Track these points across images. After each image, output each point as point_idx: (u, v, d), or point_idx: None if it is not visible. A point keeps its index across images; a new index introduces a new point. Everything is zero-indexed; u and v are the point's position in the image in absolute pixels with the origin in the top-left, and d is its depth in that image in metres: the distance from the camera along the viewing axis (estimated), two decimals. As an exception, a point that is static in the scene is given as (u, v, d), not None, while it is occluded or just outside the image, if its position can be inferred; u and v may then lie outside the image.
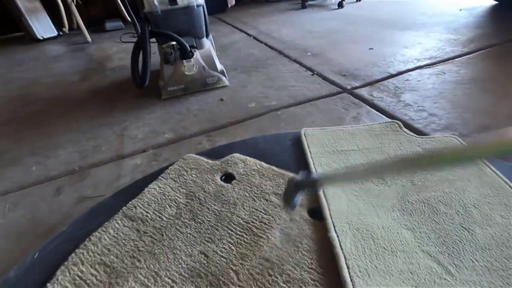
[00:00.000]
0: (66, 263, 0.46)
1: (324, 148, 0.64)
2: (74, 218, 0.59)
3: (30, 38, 2.38)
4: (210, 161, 0.64)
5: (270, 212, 0.51)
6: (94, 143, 0.95)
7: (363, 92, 1.03)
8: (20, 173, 0.85)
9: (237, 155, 0.65)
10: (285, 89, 1.14)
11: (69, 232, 0.53)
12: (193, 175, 0.60)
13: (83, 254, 0.47)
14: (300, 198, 0.41)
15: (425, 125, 0.79)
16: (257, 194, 0.55)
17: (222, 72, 1.23)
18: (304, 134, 0.69)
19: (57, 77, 1.64)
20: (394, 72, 1.15)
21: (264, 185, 0.56)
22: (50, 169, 0.86)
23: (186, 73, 1.16)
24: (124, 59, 1.81)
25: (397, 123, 0.71)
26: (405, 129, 0.69)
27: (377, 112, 0.89)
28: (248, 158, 0.64)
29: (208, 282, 0.41)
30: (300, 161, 0.62)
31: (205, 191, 0.56)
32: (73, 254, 0.47)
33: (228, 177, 0.60)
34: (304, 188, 0.41)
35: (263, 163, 0.62)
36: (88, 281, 0.43)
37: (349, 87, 1.07)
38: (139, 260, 0.45)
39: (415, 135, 0.67)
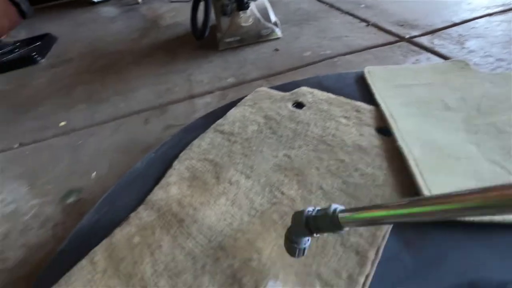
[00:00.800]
0: (178, 159, 0.59)
1: (388, 83, 0.69)
2: (173, 134, 0.72)
3: (85, 1, 2.54)
4: (280, 92, 0.72)
5: (340, 129, 0.59)
6: (166, 86, 1.08)
7: (423, 40, 1.02)
8: (111, 108, 1.02)
9: (304, 87, 0.72)
10: (338, 40, 1.15)
11: (171, 142, 0.66)
12: (267, 103, 0.69)
13: (189, 154, 0.60)
14: (309, 244, 0.33)
15: (491, 69, 0.79)
16: (327, 116, 0.62)
17: (276, 24, 1.27)
18: (368, 72, 0.73)
19: (117, 36, 1.78)
20: (458, 21, 1.10)
21: (333, 110, 0.64)
22: (134, 105, 1.01)
23: (242, 24, 1.22)
24: (175, 17, 1.89)
25: (464, 62, 0.72)
26: (473, 66, 0.70)
27: (438, 58, 0.89)
28: (315, 90, 0.71)
29: (294, 173, 0.52)
30: (364, 94, 0.68)
31: (279, 114, 0.65)
32: (181, 154, 0.60)
33: (298, 105, 0.68)
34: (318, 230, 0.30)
35: (330, 94, 0.69)
36: (198, 170, 0.56)
37: (407, 36, 1.06)
38: (234, 158, 0.57)
39: (485, 71, 0.68)
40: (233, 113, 0.68)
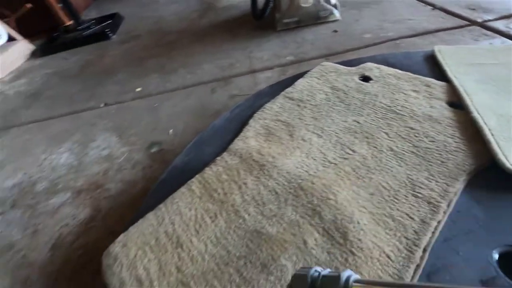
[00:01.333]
0: (252, 118, 0.66)
1: (460, 61, 0.68)
2: (239, 102, 0.80)
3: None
4: (345, 67, 0.75)
5: (410, 101, 0.61)
6: (228, 61, 1.16)
7: (498, 24, 0.96)
8: (180, 79, 1.13)
9: (370, 63, 0.74)
10: (401, 23, 1.13)
11: (244, 105, 0.73)
12: (333, 76, 0.73)
13: (262, 115, 0.67)
14: None
15: None
16: (395, 89, 0.65)
17: (335, 6, 1.27)
18: (438, 50, 0.73)
19: (178, 15, 1.91)
20: (540, 5, 1.01)
21: (402, 84, 0.66)
22: (200, 77, 1.11)
23: (302, 5, 1.25)
24: (230, 0, 1.96)
25: (548, 43, 0.68)
26: (558, 48, 0.66)
27: (515, 42, 0.85)
28: (381, 65, 0.73)
29: (363, 136, 0.56)
30: (434, 71, 0.69)
31: (347, 86, 0.69)
32: (255, 114, 0.67)
33: (365, 79, 0.71)
34: None
35: (397, 70, 0.70)
36: (272, 128, 0.63)
37: (479, 20, 1.01)
38: (305, 120, 0.62)
39: None
40: (301, 82, 0.73)
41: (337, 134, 0.57)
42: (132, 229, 0.48)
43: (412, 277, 0.36)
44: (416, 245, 0.38)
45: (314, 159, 0.53)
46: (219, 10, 1.82)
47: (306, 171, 0.51)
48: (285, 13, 1.29)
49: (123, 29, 1.87)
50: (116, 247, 0.46)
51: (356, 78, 0.71)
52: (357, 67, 0.75)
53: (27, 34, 1.91)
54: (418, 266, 0.37)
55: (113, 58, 1.46)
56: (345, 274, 0.26)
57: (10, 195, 0.76)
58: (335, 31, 1.19)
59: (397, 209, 0.43)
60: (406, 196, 0.44)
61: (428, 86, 0.63)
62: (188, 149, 0.63)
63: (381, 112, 0.60)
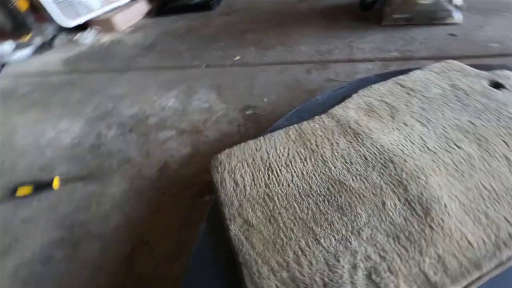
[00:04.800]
0: (357, 93, 0.67)
1: None
2: (346, 83, 0.80)
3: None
4: (475, 69, 0.69)
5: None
6: (327, 47, 1.17)
7: None
8: (276, 55, 1.19)
9: (508, 71, 0.67)
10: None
11: (347, 87, 0.74)
12: (457, 75, 0.68)
13: (367, 92, 0.67)
14: None
15: None
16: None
17: (458, 7, 1.16)
18: None
19: (274, -2, 1.96)
20: None
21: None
22: (297, 56, 1.14)
23: (421, 1, 1.16)
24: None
25: None
26: None
27: None
28: (523, 77, 0.65)
29: (475, 138, 0.52)
30: None
31: (470, 88, 0.64)
32: (360, 90, 0.68)
33: (496, 86, 0.64)
34: None
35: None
36: (375, 106, 0.63)
37: None
38: (412, 108, 0.61)
39: None
40: (416, 73, 0.71)
41: (444, 128, 0.55)
42: (235, 148, 0.59)
43: (490, 271, 0.35)
44: (506, 246, 0.37)
45: (412, 143, 0.53)
46: (321, -3, 1.82)
47: (401, 150, 0.52)
48: (397, 8, 1.22)
49: (224, 3, 2.01)
50: (222, 155, 0.58)
51: (485, 83, 0.65)
52: (491, 71, 0.68)
53: (145, -5, 2.19)
54: (501, 264, 0.36)
55: (215, 27, 1.60)
56: None
57: (129, 122, 0.93)
58: (453, 34, 1.09)
59: (495, 210, 0.41)
60: (510, 203, 0.41)
61: None
62: (290, 115, 0.68)
63: (505, 121, 0.55)
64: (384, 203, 0.44)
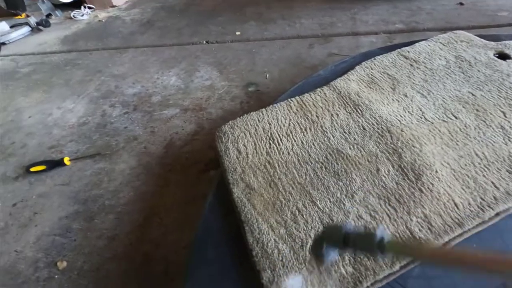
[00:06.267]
0: (360, 65, 0.68)
1: None
2: (349, 57, 0.80)
3: None
4: (482, 40, 0.68)
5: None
6: (330, 20, 1.14)
7: None
8: (278, 29, 1.16)
9: (517, 42, 0.66)
10: None
11: (349, 61, 0.74)
12: (463, 46, 0.68)
13: (370, 65, 0.68)
14: (336, 256, 0.34)
15: None
16: (536, 74, 0.58)
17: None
18: None
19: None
20: None
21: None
22: (299, 31, 1.12)
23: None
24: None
25: None
26: None
27: None
28: (531, 47, 0.64)
29: (473, 108, 0.54)
30: None
31: (475, 58, 0.64)
32: (363, 62, 0.69)
33: (501, 57, 0.64)
34: (351, 247, 0.31)
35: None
36: (376, 78, 0.65)
37: None
38: (413, 80, 0.62)
39: None
40: (421, 44, 0.71)
41: (444, 99, 0.57)
42: (239, 119, 0.62)
43: (472, 229, 0.39)
44: (490, 207, 0.40)
45: (411, 113, 0.56)
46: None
47: (399, 120, 0.54)
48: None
49: (224, -25, 1.92)
50: (226, 127, 0.61)
51: (491, 54, 0.64)
52: (498, 42, 0.67)
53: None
54: (483, 223, 0.39)
55: (215, 1, 1.55)
56: (379, 234, 0.27)
57: (132, 100, 0.94)
58: (461, 3, 1.05)
59: (484, 176, 0.44)
60: (499, 170, 0.44)
61: None
62: (293, 90, 0.69)
63: (506, 92, 0.55)
64: (378, 169, 0.47)
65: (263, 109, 0.63)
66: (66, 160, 0.74)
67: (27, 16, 1.68)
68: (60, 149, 0.82)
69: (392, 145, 0.50)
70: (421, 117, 0.54)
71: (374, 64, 0.68)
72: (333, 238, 0.32)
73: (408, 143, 0.49)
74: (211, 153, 0.66)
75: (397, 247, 0.29)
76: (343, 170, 0.48)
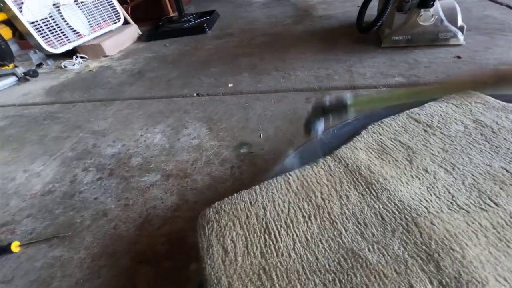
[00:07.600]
0: (366, 129, 0.59)
1: None
2: (352, 118, 0.72)
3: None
4: (500, 101, 0.61)
5: None
6: (326, 72, 1.10)
7: None
8: (272, 81, 1.12)
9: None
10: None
11: (353, 123, 0.65)
12: (479, 108, 0.61)
13: (378, 129, 0.59)
14: (322, 127, 0.47)
15: None
16: None
17: (461, 29, 1.10)
18: None
19: (272, 19, 1.93)
20: None
21: None
22: (294, 83, 1.07)
23: (421, 23, 1.11)
24: (327, 10, 1.91)
25: None
26: None
27: None
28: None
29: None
30: None
31: (498, 124, 0.56)
32: (370, 126, 0.60)
33: (526, 121, 0.56)
34: (330, 113, 0.47)
35: None
36: (388, 147, 0.55)
37: None
38: (432, 150, 0.53)
39: None
40: (432, 105, 0.63)
41: (474, 177, 0.47)
42: (227, 200, 0.51)
43: None
44: None
45: (438, 197, 0.45)
46: (315, 19, 1.78)
47: (426, 207, 0.44)
48: (397, 29, 1.17)
49: (218, 26, 1.98)
50: (211, 212, 0.49)
51: (513, 118, 0.57)
52: (518, 104, 0.60)
53: (136, 20, 2.16)
54: None
55: (208, 51, 1.54)
56: (347, 96, 0.37)
57: (109, 163, 0.83)
58: (458, 57, 1.03)
59: None
60: None
61: None
62: (290, 159, 0.58)
63: None
64: (411, 287, 0.34)
65: (257, 186, 0.52)
66: (14, 246, 0.60)
67: (15, 66, 1.65)
68: (13, 227, 0.68)
69: (424, 247, 0.38)
70: (451, 203, 0.44)
71: (383, 129, 0.60)
72: (316, 112, 0.50)
73: (444, 244, 0.38)
74: (193, 237, 0.53)
75: (362, 100, 0.45)
76: (363, 286, 0.36)
